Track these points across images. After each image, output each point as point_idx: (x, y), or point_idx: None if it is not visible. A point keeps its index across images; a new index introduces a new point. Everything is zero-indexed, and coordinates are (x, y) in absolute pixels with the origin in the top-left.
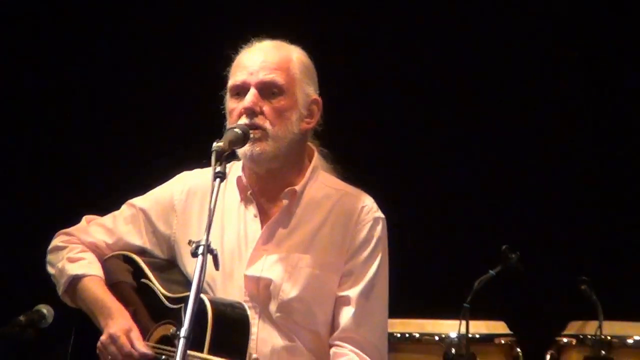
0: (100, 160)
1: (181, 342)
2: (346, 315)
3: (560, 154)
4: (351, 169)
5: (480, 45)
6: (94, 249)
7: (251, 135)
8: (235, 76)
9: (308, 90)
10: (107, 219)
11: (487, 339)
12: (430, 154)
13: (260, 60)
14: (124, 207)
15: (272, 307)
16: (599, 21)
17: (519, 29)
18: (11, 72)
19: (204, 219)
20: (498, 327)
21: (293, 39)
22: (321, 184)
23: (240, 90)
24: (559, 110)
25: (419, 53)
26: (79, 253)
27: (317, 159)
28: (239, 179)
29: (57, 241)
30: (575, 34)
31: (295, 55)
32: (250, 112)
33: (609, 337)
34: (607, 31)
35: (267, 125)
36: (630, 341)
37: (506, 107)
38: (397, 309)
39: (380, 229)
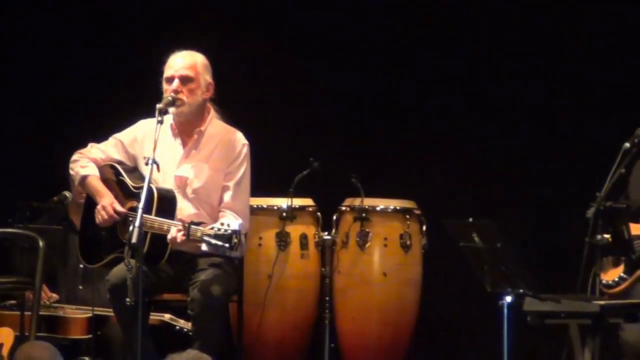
0: (99, 115)
1: (140, 210)
2: (227, 195)
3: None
4: (230, 115)
5: None
6: (94, 161)
7: (176, 103)
8: (167, 71)
9: (206, 77)
10: (102, 145)
11: (302, 208)
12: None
13: (180, 62)
14: (110, 138)
15: (188, 191)
16: None
17: None
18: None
19: (152, 145)
20: (308, 201)
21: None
22: (215, 126)
23: (170, 79)
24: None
25: None
26: (86, 163)
27: (213, 112)
28: (171, 124)
29: (74, 157)
30: None
31: (199, 59)
32: (175, 92)
33: (366, 206)
34: None
35: (184, 98)
36: (378, 208)
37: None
38: (256, 191)
39: (246, 149)
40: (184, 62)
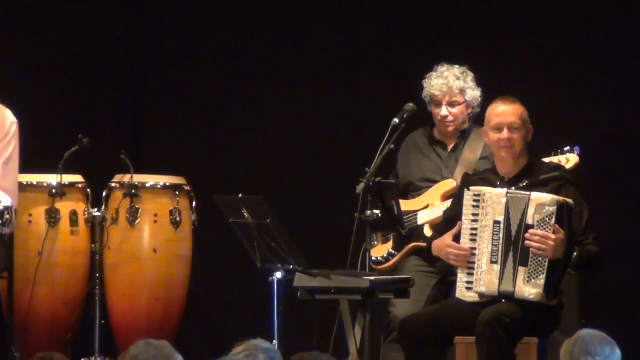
0: None
1: None
2: None
3: None
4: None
5: None
6: None
7: None
8: None
9: None
10: None
11: (72, 185)
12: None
13: None
14: None
15: None
16: None
17: None
18: None
19: None
20: (78, 178)
21: None
22: None
23: None
24: None
25: None
26: None
27: None
28: None
29: None
30: None
31: None
32: None
33: (136, 183)
34: None
35: None
36: (147, 185)
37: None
38: (25, 168)
39: (15, 128)
40: None
